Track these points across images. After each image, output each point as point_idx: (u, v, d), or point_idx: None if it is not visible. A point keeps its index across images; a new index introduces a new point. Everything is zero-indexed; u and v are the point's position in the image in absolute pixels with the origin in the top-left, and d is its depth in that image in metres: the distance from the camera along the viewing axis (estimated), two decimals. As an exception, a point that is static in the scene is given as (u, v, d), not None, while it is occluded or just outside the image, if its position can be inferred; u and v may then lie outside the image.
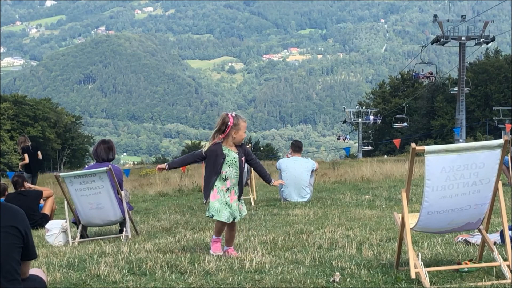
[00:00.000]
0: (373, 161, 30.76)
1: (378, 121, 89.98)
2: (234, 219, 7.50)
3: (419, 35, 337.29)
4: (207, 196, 7.48)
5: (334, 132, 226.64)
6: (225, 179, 7.46)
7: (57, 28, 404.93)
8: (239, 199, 7.60)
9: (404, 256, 6.39)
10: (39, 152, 20.71)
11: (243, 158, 7.56)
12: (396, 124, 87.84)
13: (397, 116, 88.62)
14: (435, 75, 71.57)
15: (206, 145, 7.62)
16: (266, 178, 7.80)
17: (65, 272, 6.91)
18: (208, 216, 7.51)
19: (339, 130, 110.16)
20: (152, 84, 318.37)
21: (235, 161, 7.48)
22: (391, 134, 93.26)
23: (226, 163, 7.44)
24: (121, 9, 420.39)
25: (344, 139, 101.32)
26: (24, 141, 20.65)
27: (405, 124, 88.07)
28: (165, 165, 7.75)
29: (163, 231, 10.46)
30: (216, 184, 7.44)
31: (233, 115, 7.49)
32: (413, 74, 75.23)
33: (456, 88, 70.77)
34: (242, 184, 7.61)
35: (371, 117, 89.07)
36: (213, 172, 7.45)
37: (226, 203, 7.45)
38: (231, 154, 7.47)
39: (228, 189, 7.48)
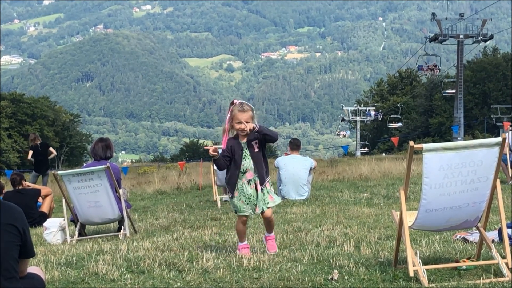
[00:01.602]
0: (371, 159, 30.80)
1: (380, 117, 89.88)
2: (262, 211, 7.27)
3: (417, 33, 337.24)
4: (232, 190, 7.26)
5: (333, 130, 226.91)
6: (245, 172, 7.21)
7: (55, 26, 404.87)
8: (263, 187, 7.28)
9: (402, 254, 6.39)
10: (51, 149, 21.00)
11: (254, 142, 7.20)
12: (391, 124, 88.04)
13: (391, 116, 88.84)
14: (439, 67, 71.56)
15: (223, 142, 7.34)
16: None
17: (63, 270, 6.91)
18: (235, 212, 7.48)
19: (338, 128, 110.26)
20: (150, 82, 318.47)
21: (247, 152, 7.21)
22: (389, 132, 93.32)
23: (244, 156, 7.21)
24: (119, 7, 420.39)
25: (344, 135, 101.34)
26: (33, 139, 20.84)
27: (399, 124, 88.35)
28: (217, 154, 7.17)
29: (161, 229, 10.46)
30: (238, 179, 7.24)
31: (235, 102, 7.23)
32: (417, 66, 75.16)
33: (448, 91, 71.21)
34: (262, 171, 7.25)
35: (373, 113, 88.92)
36: (235, 167, 7.21)
37: (248, 196, 7.23)
38: (242, 145, 7.23)
39: (249, 181, 7.23)
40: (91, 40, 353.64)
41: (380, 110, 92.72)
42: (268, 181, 7.34)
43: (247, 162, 7.22)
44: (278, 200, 7.46)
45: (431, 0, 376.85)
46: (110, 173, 9.66)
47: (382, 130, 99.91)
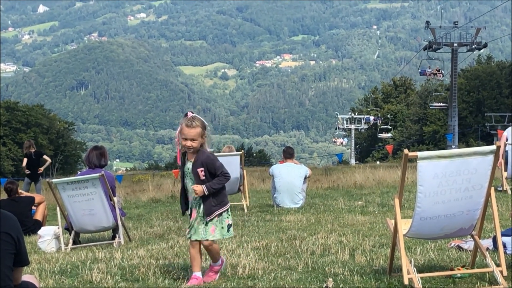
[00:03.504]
0: (366, 167, 30.79)
1: (379, 122, 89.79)
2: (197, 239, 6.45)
3: (412, 42, 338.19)
4: (183, 209, 6.71)
5: (327, 138, 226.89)
6: (188, 192, 6.55)
7: (50, 34, 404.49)
8: (204, 218, 6.42)
9: (397, 262, 6.39)
10: (45, 156, 20.94)
11: (199, 170, 6.32)
12: (381, 134, 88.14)
13: (382, 127, 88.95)
14: (443, 71, 71.56)
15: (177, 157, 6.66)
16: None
17: (57, 278, 6.89)
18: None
19: (334, 135, 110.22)
20: (145, 90, 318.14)
21: (189, 172, 6.41)
22: (384, 140, 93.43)
23: (185, 174, 6.48)
24: (114, 15, 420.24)
25: (341, 143, 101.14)
26: (28, 147, 20.74)
27: (389, 134, 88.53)
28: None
29: (156, 237, 10.45)
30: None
31: (188, 114, 6.41)
32: (419, 70, 75.14)
33: (435, 104, 71.43)
34: (207, 203, 6.38)
35: (371, 118, 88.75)
36: (182, 183, 6.60)
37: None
38: (187, 164, 6.46)
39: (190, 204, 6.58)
40: (85, 48, 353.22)
41: (379, 115, 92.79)
42: (217, 214, 6.42)
43: (187, 183, 6.50)
44: (220, 236, 6.45)
45: (425, 8, 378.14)
46: (104, 181, 9.65)
47: (376, 138, 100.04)
